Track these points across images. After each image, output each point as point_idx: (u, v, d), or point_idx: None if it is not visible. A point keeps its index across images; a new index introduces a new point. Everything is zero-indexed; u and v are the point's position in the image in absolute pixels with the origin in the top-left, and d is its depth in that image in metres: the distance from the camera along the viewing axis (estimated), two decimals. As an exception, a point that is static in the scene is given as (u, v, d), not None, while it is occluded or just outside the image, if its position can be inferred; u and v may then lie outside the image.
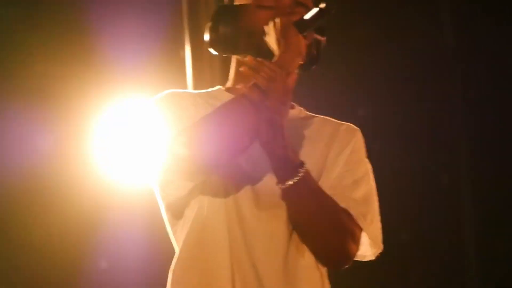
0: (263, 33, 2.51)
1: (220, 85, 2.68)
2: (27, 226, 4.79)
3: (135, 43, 4.92)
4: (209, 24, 2.61)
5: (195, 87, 4.58)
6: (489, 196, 5.20)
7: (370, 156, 2.64)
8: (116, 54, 4.90)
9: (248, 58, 2.46)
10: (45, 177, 4.80)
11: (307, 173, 2.42)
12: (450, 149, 5.28)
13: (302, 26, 2.46)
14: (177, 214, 2.54)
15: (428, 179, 5.25)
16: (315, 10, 2.44)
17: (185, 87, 4.61)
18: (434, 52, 5.24)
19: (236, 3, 2.66)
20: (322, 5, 2.43)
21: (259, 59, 2.42)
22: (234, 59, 2.66)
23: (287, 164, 2.41)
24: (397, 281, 5.14)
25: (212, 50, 2.64)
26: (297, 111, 2.67)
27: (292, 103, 2.66)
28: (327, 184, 2.53)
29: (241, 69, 2.43)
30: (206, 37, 2.62)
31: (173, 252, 2.56)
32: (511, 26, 5.08)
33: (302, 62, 2.54)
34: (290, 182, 2.41)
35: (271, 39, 2.49)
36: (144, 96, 4.60)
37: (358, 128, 2.65)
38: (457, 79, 5.29)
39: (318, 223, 2.46)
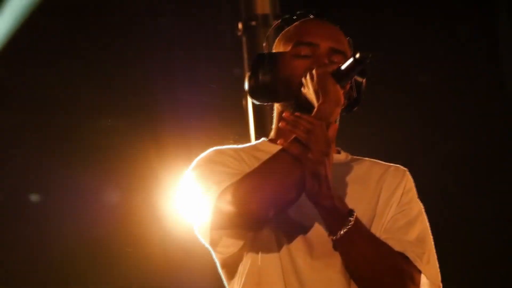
0: (301, 83, 2.52)
1: (264, 137, 2.69)
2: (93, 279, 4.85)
3: (199, 95, 4.98)
4: (248, 73, 2.64)
5: (258, 136, 4.59)
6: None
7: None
8: (181, 107, 4.96)
9: (285, 114, 2.46)
10: (117, 232, 4.86)
11: (357, 221, 2.41)
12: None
13: (339, 76, 2.46)
14: (231, 270, 2.55)
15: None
16: (350, 60, 2.44)
17: (248, 136, 4.63)
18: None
19: (275, 51, 2.67)
20: (358, 55, 2.42)
21: (296, 113, 2.43)
22: (276, 109, 2.67)
23: (335, 214, 2.40)
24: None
25: (252, 99, 2.67)
26: (344, 156, 2.66)
27: (338, 148, 2.66)
28: (381, 227, 2.51)
29: (280, 125, 2.43)
30: (246, 85, 2.64)
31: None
32: None
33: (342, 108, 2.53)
34: (341, 232, 2.40)
35: (309, 91, 2.49)
36: (210, 147, 4.64)
37: (406, 169, 2.63)
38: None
39: (375, 270, 2.44)
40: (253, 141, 2.70)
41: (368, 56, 2.42)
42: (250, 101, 4.77)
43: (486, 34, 5.28)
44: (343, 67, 2.46)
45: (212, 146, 2.62)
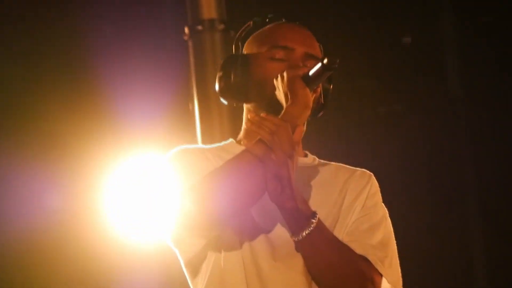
0: (273, 85, 2.54)
1: (232, 137, 2.70)
2: (38, 281, 4.78)
3: (144, 98, 4.96)
4: (219, 73, 2.64)
5: (204, 140, 4.60)
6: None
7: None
8: (125, 109, 4.93)
9: (250, 115, 2.48)
10: (56, 234, 4.81)
11: (319, 223, 2.43)
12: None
13: (308, 80, 2.49)
14: (195, 269, 2.55)
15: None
16: (319, 66, 2.47)
17: (194, 139, 4.64)
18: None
19: (246, 52, 2.68)
20: (325, 61, 2.45)
21: (262, 114, 2.45)
22: (245, 110, 2.68)
23: (298, 216, 2.41)
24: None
25: (222, 100, 2.67)
26: (310, 160, 2.68)
27: (305, 151, 2.69)
28: (344, 230, 2.53)
29: (245, 125, 2.44)
30: (217, 86, 2.65)
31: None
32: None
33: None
34: (303, 234, 2.42)
35: (279, 93, 2.51)
36: (155, 151, 4.64)
37: (371, 173, 2.65)
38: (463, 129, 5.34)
39: (336, 272, 2.46)
40: (221, 143, 2.71)
41: (336, 62, 2.44)
42: (196, 105, 4.82)
43: (430, 40, 5.38)
44: (312, 72, 2.48)
45: (159, 150, 2.62)
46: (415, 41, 5.26)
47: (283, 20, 2.71)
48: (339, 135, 4.86)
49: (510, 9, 5.18)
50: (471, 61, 5.35)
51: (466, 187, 5.40)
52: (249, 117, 2.47)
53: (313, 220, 2.42)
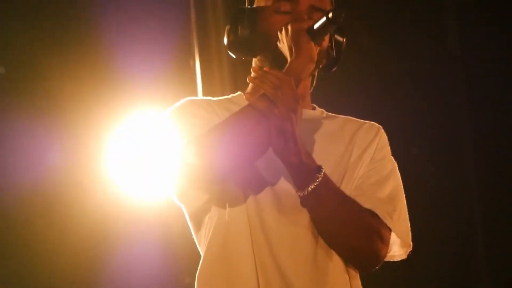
0: (278, 38, 2.51)
1: (233, 93, 2.68)
2: (37, 239, 4.78)
3: (144, 54, 4.92)
4: (227, 27, 2.62)
5: (205, 94, 4.57)
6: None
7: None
8: (126, 66, 4.89)
9: (253, 69, 2.45)
10: (57, 190, 4.80)
11: (325, 177, 2.41)
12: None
13: (313, 33, 2.46)
14: (199, 222, 2.55)
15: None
16: (323, 19, 2.44)
17: (195, 95, 4.60)
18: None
19: (255, 5, 2.66)
20: (330, 14, 2.42)
21: (265, 68, 2.42)
22: (254, 63, 2.65)
23: (302, 170, 2.40)
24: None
25: (230, 53, 2.64)
26: (319, 112, 2.66)
27: (313, 104, 2.67)
28: (352, 184, 2.52)
29: (248, 79, 2.42)
30: (225, 39, 2.62)
31: (189, 265, 2.55)
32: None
33: (320, 66, 2.55)
34: (309, 189, 2.40)
35: (284, 46, 2.49)
36: (156, 107, 4.61)
37: (380, 126, 2.63)
38: (462, 89, 5.34)
39: (342, 227, 2.45)
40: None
41: (341, 16, 2.41)
42: (197, 61, 4.79)
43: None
44: (316, 25, 2.45)
45: (160, 106, 2.59)
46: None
47: None
48: (341, 92, 4.85)
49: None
50: (471, 22, 5.33)
51: (464, 148, 5.40)
52: (252, 70, 2.44)
53: (318, 175, 2.40)
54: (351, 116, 2.67)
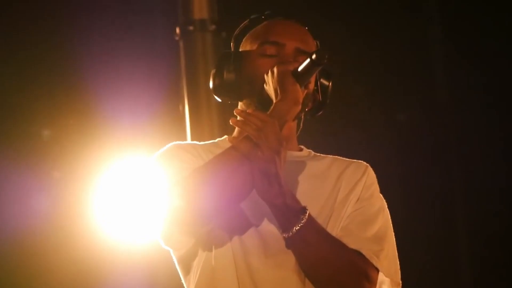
0: (264, 81, 2.52)
1: (228, 135, 2.67)
2: (26, 283, 4.75)
3: (134, 99, 4.94)
4: (213, 71, 2.63)
5: (194, 140, 4.56)
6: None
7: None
8: (115, 111, 4.91)
9: (236, 111, 2.45)
10: (45, 235, 4.78)
11: (310, 219, 2.40)
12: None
13: (298, 76, 2.46)
14: (187, 266, 2.53)
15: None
16: (307, 61, 2.45)
17: (184, 140, 4.60)
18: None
19: (241, 50, 2.67)
20: (314, 56, 2.43)
21: (248, 110, 2.43)
22: (239, 107, 2.65)
23: (287, 212, 2.39)
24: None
25: (216, 97, 2.65)
26: (305, 153, 2.65)
27: (301, 146, 2.66)
28: (338, 225, 2.50)
29: (231, 121, 2.42)
30: (210, 83, 2.63)
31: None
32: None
33: (306, 109, 2.56)
34: (293, 230, 2.39)
35: (269, 88, 2.50)
36: (145, 152, 4.60)
37: (368, 164, 2.62)
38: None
39: (329, 269, 2.43)
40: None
41: (324, 57, 2.43)
42: (186, 105, 4.79)
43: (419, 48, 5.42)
44: (301, 67, 2.46)
45: (149, 151, 2.60)
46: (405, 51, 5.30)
47: (279, 18, 2.68)
48: (335, 133, 4.87)
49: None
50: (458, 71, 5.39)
51: (453, 184, 5.43)
52: (235, 112, 2.45)
53: (303, 216, 2.40)
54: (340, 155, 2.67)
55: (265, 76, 2.52)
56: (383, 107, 5.32)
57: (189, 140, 4.66)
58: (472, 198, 5.40)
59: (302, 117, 2.65)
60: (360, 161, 2.63)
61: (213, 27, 4.71)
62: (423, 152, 5.38)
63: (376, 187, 2.59)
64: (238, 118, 2.41)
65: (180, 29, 4.74)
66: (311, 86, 2.58)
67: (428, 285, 5.28)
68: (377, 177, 2.61)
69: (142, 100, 4.93)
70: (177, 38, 4.75)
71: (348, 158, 2.64)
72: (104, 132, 4.89)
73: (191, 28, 4.73)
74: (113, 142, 4.87)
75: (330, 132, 4.92)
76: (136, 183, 4.60)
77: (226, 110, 2.61)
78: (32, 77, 4.84)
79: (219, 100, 2.67)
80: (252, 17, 2.70)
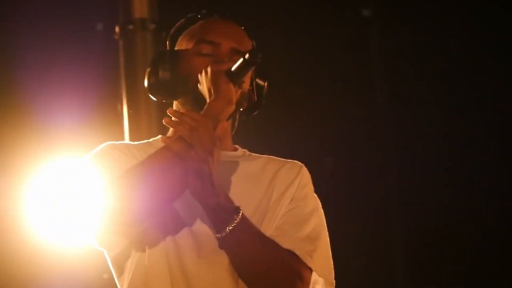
0: (198, 80, 2.51)
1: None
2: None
3: (72, 97, 4.88)
4: (148, 69, 2.62)
5: (132, 140, 4.52)
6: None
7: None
8: (52, 110, 4.85)
9: (168, 111, 2.44)
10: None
11: (243, 218, 2.40)
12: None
13: (232, 75, 2.46)
14: (121, 267, 2.52)
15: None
16: (240, 60, 2.45)
17: (122, 140, 4.56)
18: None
19: (177, 48, 2.66)
20: (247, 55, 2.43)
21: (182, 110, 2.43)
22: (175, 106, 2.65)
23: (220, 212, 2.39)
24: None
25: (151, 96, 2.64)
26: (240, 153, 2.65)
27: (236, 145, 2.66)
28: (272, 225, 2.50)
29: (164, 121, 2.41)
30: (145, 82, 2.62)
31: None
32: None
33: (241, 108, 2.56)
34: (226, 230, 2.39)
35: (203, 88, 2.49)
36: (83, 151, 4.55)
37: (302, 164, 2.62)
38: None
39: (261, 269, 2.43)
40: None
41: (257, 56, 2.43)
42: (125, 105, 4.76)
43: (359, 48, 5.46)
44: (234, 67, 2.46)
45: (87, 151, 2.58)
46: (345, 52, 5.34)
47: (216, 17, 2.67)
48: (273, 132, 4.89)
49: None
50: (397, 73, 5.45)
51: (389, 185, 5.48)
52: (168, 112, 2.44)
53: (236, 216, 2.40)
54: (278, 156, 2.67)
55: (199, 75, 2.51)
56: (320, 107, 5.35)
57: (127, 139, 4.63)
58: (407, 198, 5.47)
59: (237, 117, 2.65)
60: (295, 161, 2.63)
61: (153, 26, 4.68)
62: (361, 152, 5.42)
63: (310, 187, 2.60)
64: (172, 118, 2.40)
65: (120, 28, 4.71)
66: (246, 86, 2.58)
67: (364, 285, 5.32)
68: (312, 176, 2.62)
69: (80, 99, 4.89)
70: (116, 37, 4.71)
71: (283, 157, 2.65)
72: (41, 131, 4.83)
73: (131, 27, 4.69)
74: (50, 142, 4.81)
75: (267, 132, 4.93)
76: (70, 183, 4.56)
77: (165, 110, 2.59)
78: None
79: (154, 99, 2.65)
80: (188, 15, 2.69)
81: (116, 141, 2.61)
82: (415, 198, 5.43)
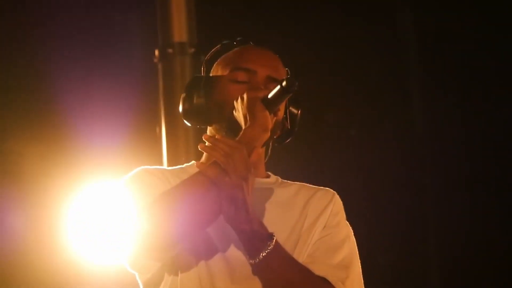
0: (233, 107, 2.52)
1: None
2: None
3: (111, 121, 4.92)
4: (183, 95, 2.63)
5: (170, 164, 4.56)
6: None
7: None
8: (91, 132, 4.90)
9: (204, 136, 2.45)
10: (15, 258, 4.75)
11: (277, 245, 2.40)
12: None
13: (267, 103, 2.47)
14: None
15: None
16: (277, 88, 2.46)
17: (160, 163, 4.60)
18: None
19: (212, 74, 2.67)
20: (284, 83, 2.44)
21: (217, 136, 2.44)
22: (208, 131, 2.66)
23: (254, 238, 2.39)
24: None
25: (185, 121, 2.65)
26: (273, 180, 2.65)
27: (268, 172, 2.67)
28: (305, 252, 2.50)
29: (199, 147, 2.42)
30: (180, 107, 2.63)
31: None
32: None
33: (274, 136, 2.57)
34: (260, 257, 2.39)
35: (239, 114, 2.50)
36: (121, 174, 4.58)
37: (334, 192, 2.62)
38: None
39: None
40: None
41: (294, 84, 2.44)
42: (163, 128, 4.79)
43: (396, 72, 5.45)
44: (271, 94, 2.47)
45: (124, 174, 2.60)
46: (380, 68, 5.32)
47: (251, 44, 2.69)
48: (305, 157, 4.89)
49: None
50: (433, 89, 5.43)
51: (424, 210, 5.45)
52: (203, 138, 2.45)
53: (270, 242, 2.40)
54: (311, 183, 2.67)
55: (235, 102, 2.52)
56: (351, 136, 5.34)
57: (165, 162, 4.66)
58: (444, 229, 5.44)
59: (271, 144, 2.65)
60: (327, 188, 2.64)
61: (192, 50, 4.72)
62: (393, 177, 5.40)
63: (342, 214, 2.60)
64: (207, 143, 2.41)
65: (159, 52, 4.75)
66: (281, 113, 2.59)
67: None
68: (344, 204, 2.62)
69: (120, 121, 4.93)
70: (155, 60, 4.75)
71: (316, 185, 2.65)
72: (81, 153, 4.88)
73: (170, 50, 4.73)
74: (90, 164, 4.85)
75: (299, 158, 4.93)
76: (106, 206, 4.59)
77: (204, 133, 2.62)
78: (4, 96, 4.83)
79: (188, 124, 2.67)
80: (223, 42, 2.71)
81: (154, 164, 2.63)
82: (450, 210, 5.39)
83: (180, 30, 4.75)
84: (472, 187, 5.36)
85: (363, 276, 2.57)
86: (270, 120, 2.47)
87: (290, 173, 2.75)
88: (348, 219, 2.62)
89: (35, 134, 4.86)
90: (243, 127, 2.46)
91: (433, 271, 5.47)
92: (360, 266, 2.57)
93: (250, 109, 2.46)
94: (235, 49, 2.68)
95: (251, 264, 2.41)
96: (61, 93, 4.87)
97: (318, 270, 2.46)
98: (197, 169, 2.46)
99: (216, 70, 2.67)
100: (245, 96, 2.49)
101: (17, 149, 4.87)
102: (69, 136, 4.87)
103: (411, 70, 5.52)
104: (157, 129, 4.77)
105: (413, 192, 5.43)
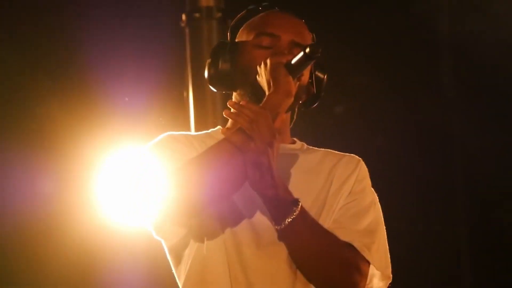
0: (257, 72, 2.52)
1: (224, 125, 2.68)
2: (29, 267, 4.78)
3: (138, 85, 4.94)
4: (208, 60, 2.64)
5: (198, 128, 4.58)
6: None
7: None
8: (119, 96, 4.92)
9: (229, 103, 2.45)
10: (46, 220, 4.81)
11: (302, 211, 2.40)
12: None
13: (291, 68, 2.46)
14: (178, 256, 2.54)
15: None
16: (300, 54, 2.45)
17: (188, 127, 4.62)
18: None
19: (237, 40, 2.67)
20: (307, 49, 2.43)
21: (242, 102, 2.43)
22: (234, 97, 2.66)
23: (279, 204, 2.39)
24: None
25: (211, 87, 2.66)
26: (298, 146, 2.65)
27: (294, 138, 2.67)
28: (330, 217, 2.51)
29: (224, 113, 2.43)
30: (206, 73, 2.64)
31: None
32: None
33: (299, 101, 2.56)
34: (285, 222, 2.40)
35: (262, 80, 2.49)
36: (148, 138, 4.61)
37: (360, 158, 2.62)
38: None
39: (320, 261, 2.44)
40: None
41: (318, 51, 2.43)
42: (191, 92, 4.80)
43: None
44: (294, 60, 2.46)
45: (152, 138, 2.61)
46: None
47: (276, 9, 2.68)
48: (334, 126, 4.88)
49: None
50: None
51: (453, 178, 5.43)
52: (228, 104, 2.45)
53: (295, 208, 2.40)
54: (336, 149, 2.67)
55: (258, 68, 2.51)
56: (380, 100, 5.31)
57: (192, 126, 4.68)
58: (473, 193, 5.40)
59: (296, 109, 2.65)
60: (352, 155, 2.63)
61: (219, 14, 4.71)
62: (422, 146, 5.38)
63: (368, 181, 2.60)
64: (232, 110, 2.42)
65: (186, 16, 4.75)
66: (305, 78, 2.58)
67: (420, 282, 5.28)
68: (369, 170, 2.62)
69: (147, 86, 4.94)
70: (183, 24, 4.75)
71: (341, 151, 2.65)
72: (108, 118, 4.91)
73: (197, 15, 4.72)
74: (117, 129, 4.88)
75: (325, 124, 4.92)
76: (132, 172, 4.63)
77: (230, 98, 2.62)
78: (34, 61, 4.86)
79: (214, 89, 2.67)
80: (249, 7, 2.70)
81: (182, 128, 2.63)
82: (481, 192, 5.35)
83: (207, -5, 4.75)
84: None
85: (388, 243, 2.57)
86: (293, 86, 2.46)
87: (316, 140, 2.75)
88: (373, 185, 2.61)
89: (66, 99, 4.89)
90: (267, 92, 2.46)
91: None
92: (385, 232, 2.56)
93: (273, 75, 2.46)
94: (261, 14, 2.66)
95: (276, 230, 2.42)
96: (90, 59, 4.88)
97: (344, 235, 2.46)
98: (222, 135, 2.47)
99: (241, 36, 2.66)
100: (268, 61, 2.48)
101: (48, 113, 4.91)
102: (98, 101, 4.90)
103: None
104: (185, 93, 4.78)
105: (439, 160, 5.41)
